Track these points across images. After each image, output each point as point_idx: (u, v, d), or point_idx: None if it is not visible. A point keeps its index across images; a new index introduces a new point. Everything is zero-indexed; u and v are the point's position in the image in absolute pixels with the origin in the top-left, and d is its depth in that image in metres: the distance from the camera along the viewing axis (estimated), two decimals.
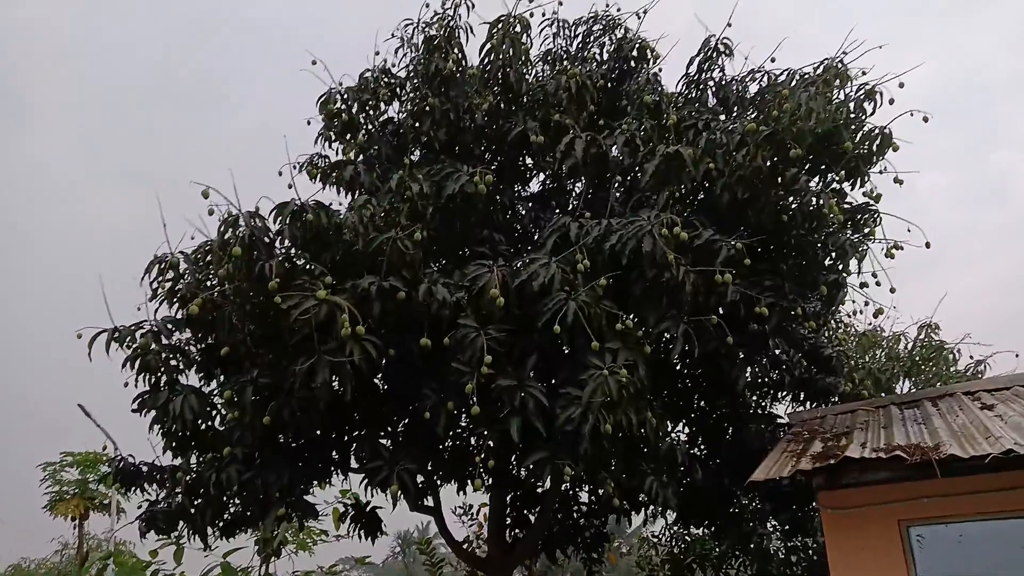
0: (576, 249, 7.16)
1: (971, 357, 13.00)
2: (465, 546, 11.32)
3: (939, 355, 12.57)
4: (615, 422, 6.77)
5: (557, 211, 9.09)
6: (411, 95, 9.28)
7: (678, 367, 9.28)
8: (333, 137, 9.26)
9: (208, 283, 7.42)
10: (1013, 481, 5.63)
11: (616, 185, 8.19)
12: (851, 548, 6.32)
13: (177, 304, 7.51)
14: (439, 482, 9.24)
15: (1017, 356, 12.03)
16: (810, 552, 10.72)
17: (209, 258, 7.36)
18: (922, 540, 6.16)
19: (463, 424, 8.53)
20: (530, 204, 9.65)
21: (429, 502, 9.11)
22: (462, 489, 9.45)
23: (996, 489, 5.75)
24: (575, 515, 10.82)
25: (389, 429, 8.57)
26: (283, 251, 7.35)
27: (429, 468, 8.75)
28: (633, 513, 9.80)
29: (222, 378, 7.84)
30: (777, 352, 9.05)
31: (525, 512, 10.13)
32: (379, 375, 8.04)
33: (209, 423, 7.83)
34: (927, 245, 7.40)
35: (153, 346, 7.38)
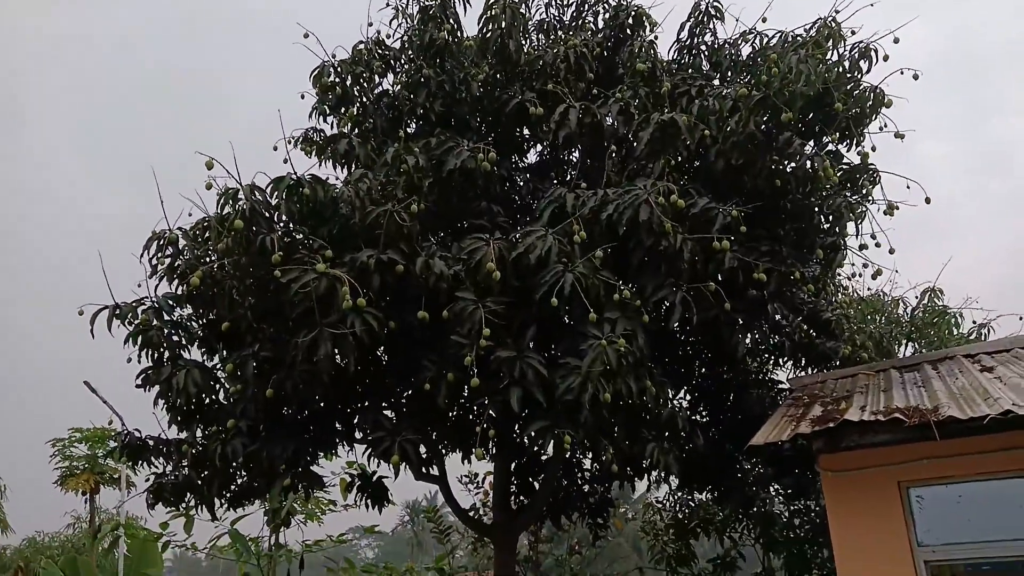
0: (572, 220, 7.15)
1: (974, 322, 13.00)
2: (471, 513, 11.45)
3: (942, 319, 12.55)
4: (614, 391, 6.80)
5: (555, 181, 9.05)
6: (406, 67, 9.21)
7: (678, 335, 9.31)
8: (327, 111, 9.22)
9: (207, 259, 7.43)
10: (1011, 441, 5.64)
11: (612, 154, 8.16)
12: (851, 510, 6.36)
13: (177, 280, 7.52)
14: (444, 452, 9.33)
15: (1021, 319, 12.06)
16: (812, 515, 10.82)
17: (208, 234, 7.37)
18: (921, 501, 6.21)
19: (465, 395, 8.59)
20: (528, 175, 9.61)
21: (435, 471, 9.21)
22: (467, 458, 9.52)
23: (995, 449, 5.77)
24: (579, 482, 10.93)
25: (392, 400, 8.63)
26: (282, 225, 7.35)
27: (433, 438, 8.82)
28: (637, 479, 9.91)
29: (224, 353, 7.89)
30: (776, 317, 9.05)
31: (529, 479, 10.23)
32: (380, 347, 8.08)
33: (213, 397, 7.90)
34: (927, 200, 7.39)
35: (154, 322, 7.42)
